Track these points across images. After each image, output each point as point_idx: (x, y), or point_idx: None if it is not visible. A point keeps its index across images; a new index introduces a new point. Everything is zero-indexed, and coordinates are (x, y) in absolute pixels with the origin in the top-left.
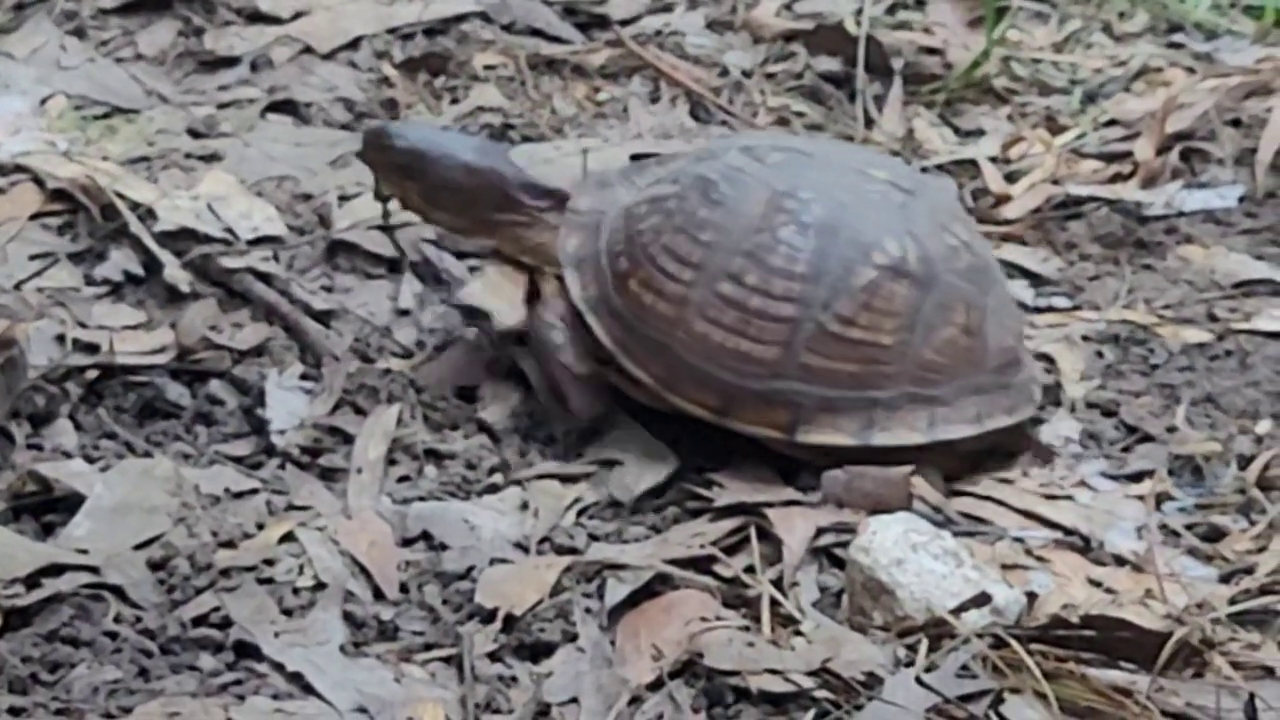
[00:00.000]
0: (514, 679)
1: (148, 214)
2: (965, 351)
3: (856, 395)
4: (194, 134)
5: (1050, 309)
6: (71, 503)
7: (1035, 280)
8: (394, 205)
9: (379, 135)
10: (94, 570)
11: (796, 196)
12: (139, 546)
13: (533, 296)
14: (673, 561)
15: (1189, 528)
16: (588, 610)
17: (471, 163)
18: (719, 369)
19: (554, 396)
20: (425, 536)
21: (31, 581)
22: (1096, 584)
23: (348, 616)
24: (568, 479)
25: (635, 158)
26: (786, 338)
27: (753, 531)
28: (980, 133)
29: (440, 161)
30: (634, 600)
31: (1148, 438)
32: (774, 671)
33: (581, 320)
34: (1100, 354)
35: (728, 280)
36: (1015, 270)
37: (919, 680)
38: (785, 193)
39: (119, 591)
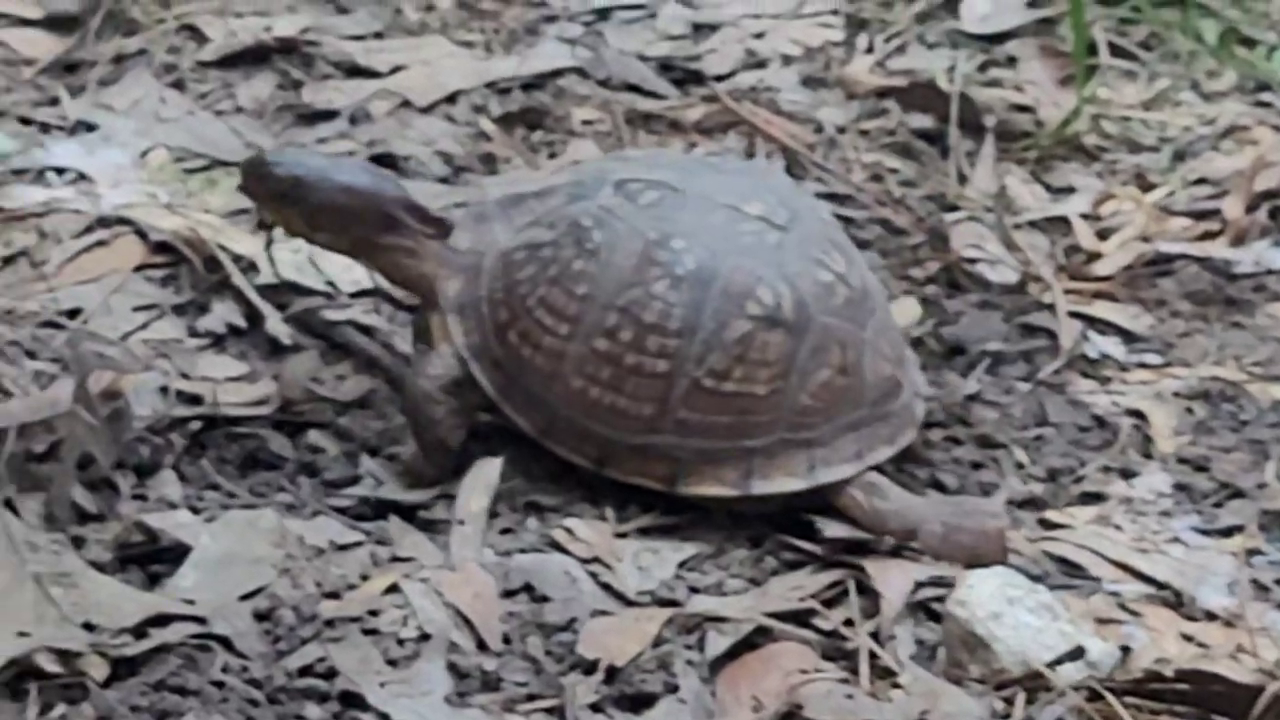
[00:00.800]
0: None
1: (250, 266)
2: (842, 391)
3: (733, 445)
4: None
5: (1142, 365)
6: (177, 553)
7: (1127, 337)
8: (277, 233)
9: (256, 165)
10: (201, 620)
11: (669, 247)
12: (245, 597)
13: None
14: (772, 614)
15: (1279, 582)
16: (689, 662)
17: (350, 183)
18: (596, 423)
19: (418, 457)
20: (527, 588)
21: (139, 631)
22: (1189, 638)
23: (452, 667)
24: (667, 531)
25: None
26: (662, 394)
27: (851, 585)
28: (1071, 190)
29: (318, 185)
30: (734, 652)
31: (1238, 493)
32: None
33: (460, 378)
34: (1190, 410)
35: (602, 336)
36: (1107, 326)
37: None
38: (657, 242)
39: (225, 642)
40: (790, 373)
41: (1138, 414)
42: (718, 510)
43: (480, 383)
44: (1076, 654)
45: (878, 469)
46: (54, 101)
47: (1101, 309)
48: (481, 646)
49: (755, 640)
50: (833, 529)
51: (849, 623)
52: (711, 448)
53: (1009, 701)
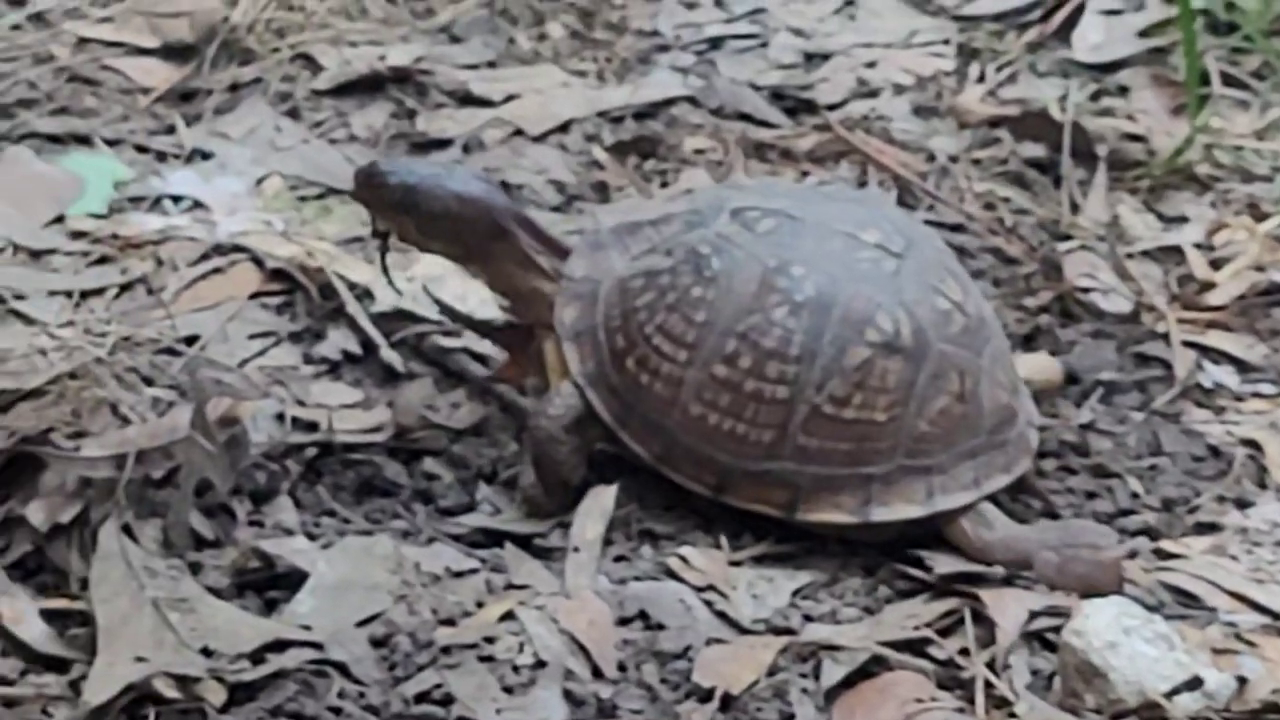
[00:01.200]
0: None
1: (365, 294)
2: (960, 419)
3: (852, 472)
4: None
5: (1256, 395)
6: (293, 579)
7: (1241, 366)
8: (391, 241)
9: (369, 174)
10: (318, 646)
11: (788, 274)
12: (361, 623)
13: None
14: (888, 643)
15: None
16: (804, 690)
17: (462, 191)
18: (715, 449)
19: (540, 492)
20: (642, 616)
21: (256, 657)
22: None
23: (568, 695)
24: (781, 559)
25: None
26: (781, 420)
27: (967, 613)
28: (1184, 219)
29: (431, 192)
30: (850, 681)
31: None
32: None
33: (582, 415)
34: None
35: (722, 363)
36: (1221, 356)
37: None
38: (776, 269)
39: (342, 668)
40: (909, 399)
41: (1252, 444)
42: (832, 538)
43: (597, 410)
44: (1193, 684)
45: (989, 498)
46: (170, 130)
47: (1215, 338)
48: (597, 674)
49: (870, 669)
50: (943, 564)
51: (964, 652)
52: (830, 474)
53: None
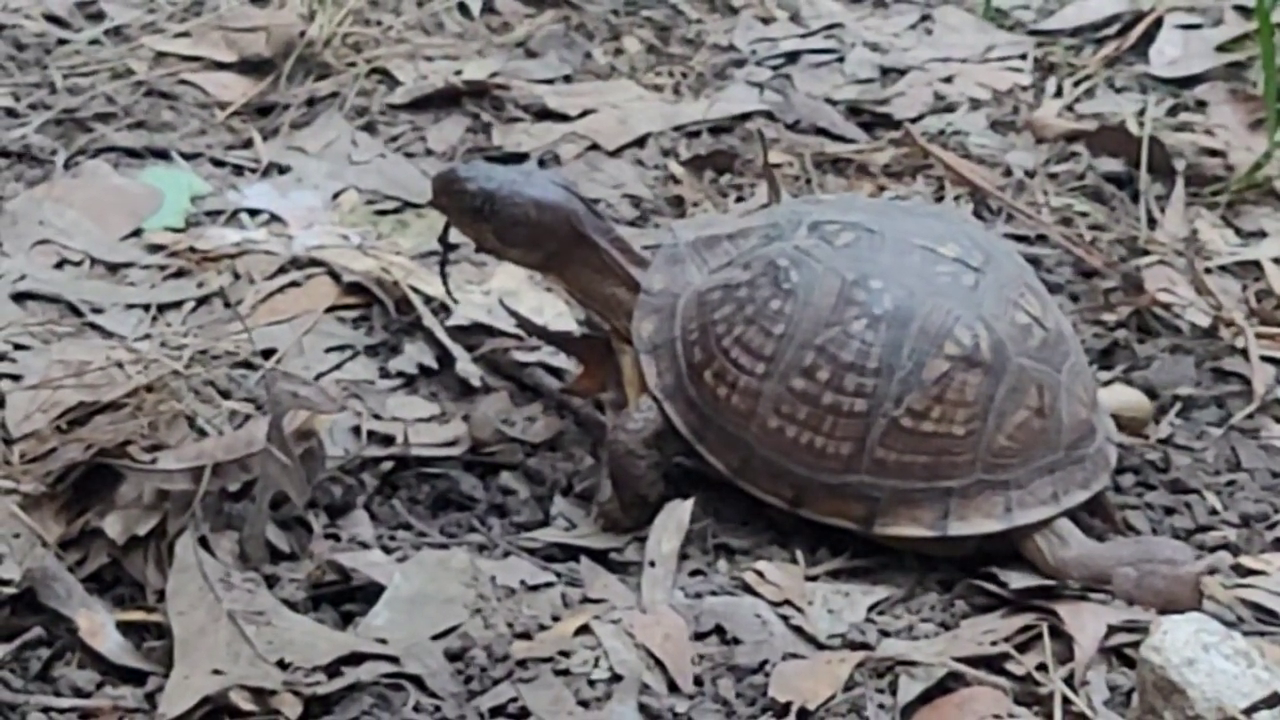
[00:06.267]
0: None
1: (441, 308)
2: (1039, 434)
3: (930, 486)
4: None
5: None
6: (369, 592)
7: None
8: (453, 255)
9: (448, 180)
10: (394, 660)
11: (867, 287)
12: (437, 637)
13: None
14: (964, 658)
15: None
16: (881, 706)
17: (541, 198)
18: (793, 463)
19: (618, 507)
20: (718, 630)
21: (332, 670)
22: None
23: (643, 709)
24: (857, 574)
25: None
26: (860, 433)
27: (1045, 629)
28: (1262, 234)
29: (510, 199)
30: (927, 696)
31: None
32: None
33: (661, 430)
34: None
35: (800, 375)
36: None
37: None
38: (855, 282)
39: (418, 681)
40: (988, 413)
41: None
42: (908, 552)
43: (674, 422)
44: (1273, 701)
45: (1067, 515)
46: (247, 144)
47: None
48: (673, 688)
49: (948, 685)
50: (1019, 579)
51: (1042, 668)
52: (908, 488)
53: None
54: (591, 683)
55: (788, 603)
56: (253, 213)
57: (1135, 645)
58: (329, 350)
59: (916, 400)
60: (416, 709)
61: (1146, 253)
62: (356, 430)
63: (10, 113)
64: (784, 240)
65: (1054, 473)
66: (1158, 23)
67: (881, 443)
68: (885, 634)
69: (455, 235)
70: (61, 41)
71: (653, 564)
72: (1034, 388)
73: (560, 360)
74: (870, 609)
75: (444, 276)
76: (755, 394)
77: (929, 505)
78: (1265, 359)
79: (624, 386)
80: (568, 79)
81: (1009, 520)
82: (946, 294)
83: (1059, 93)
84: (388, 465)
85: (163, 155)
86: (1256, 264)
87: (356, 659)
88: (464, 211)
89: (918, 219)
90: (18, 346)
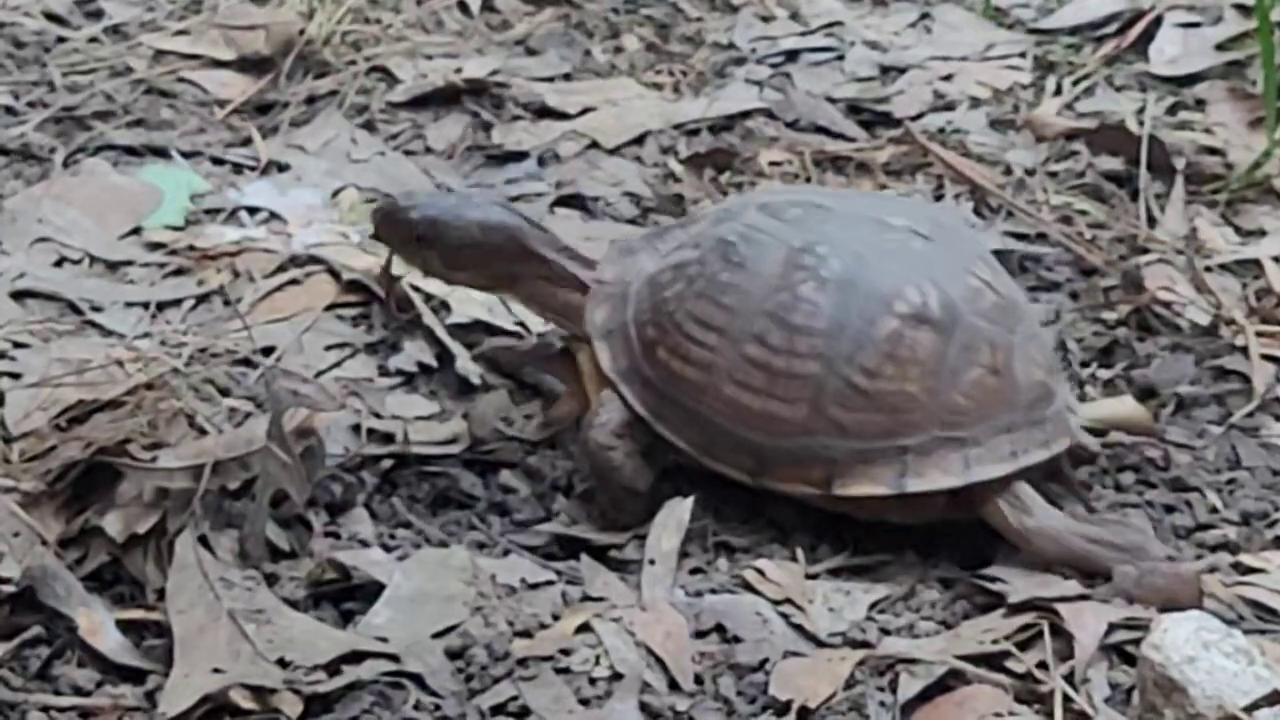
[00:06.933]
0: None
1: (441, 306)
2: (994, 392)
3: (888, 444)
4: None
5: None
6: (369, 590)
7: None
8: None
9: (390, 211)
10: (394, 658)
11: (814, 252)
12: (437, 635)
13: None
14: (965, 657)
15: None
16: (881, 704)
17: (483, 219)
18: (751, 431)
19: (610, 504)
20: (719, 629)
21: (333, 668)
22: None
23: (644, 707)
24: (858, 572)
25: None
26: (814, 395)
27: (1045, 628)
28: (1262, 233)
29: (454, 224)
30: (927, 694)
31: None
32: None
33: (631, 418)
34: None
35: (752, 342)
36: None
37: None
38: (802, 249)
39: (418, 680)
40: (941, 370)
41: None
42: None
43: (632, 405)
44: (1273, 699)
45: (1031, 485)
46: (246, 142)
47: None
48: (674, 686)
49: (948, 683)
50: (1019, 577)
51: (1042, 665)
52: (866, 448)
53: None
54: (592, 681)
55: (788, 601)
56: (252, 210)
57: (1136, 643)
58: (329, 348)
59: (868, 359)
60: (417, 707)
61: (1146, 251)
62: (356, 428)
63: (9, 110)
64: (734, 220)
65: (1012, 432)
66: (1157, 21)
67: (836, 403)
68: (886, 632)
69: (399, 266)
70: (60, 39)
71: (653, 562)
72: (986, 346)
73: None
74: (871, 607)
75: (387, 307)
76: (709, 366)
77: (886, 464)
78: (1265, 357)
79: (585, 386)
80: (567, 77)
81: (967, 476)
82: (895, 258)
83: (1058, 91)
84: (388, 463)
85: (162, 153)
86: (1256, 262)
87: (357, 657)
88: (408, 241)
89: (870, 198)
90: (17, 345)
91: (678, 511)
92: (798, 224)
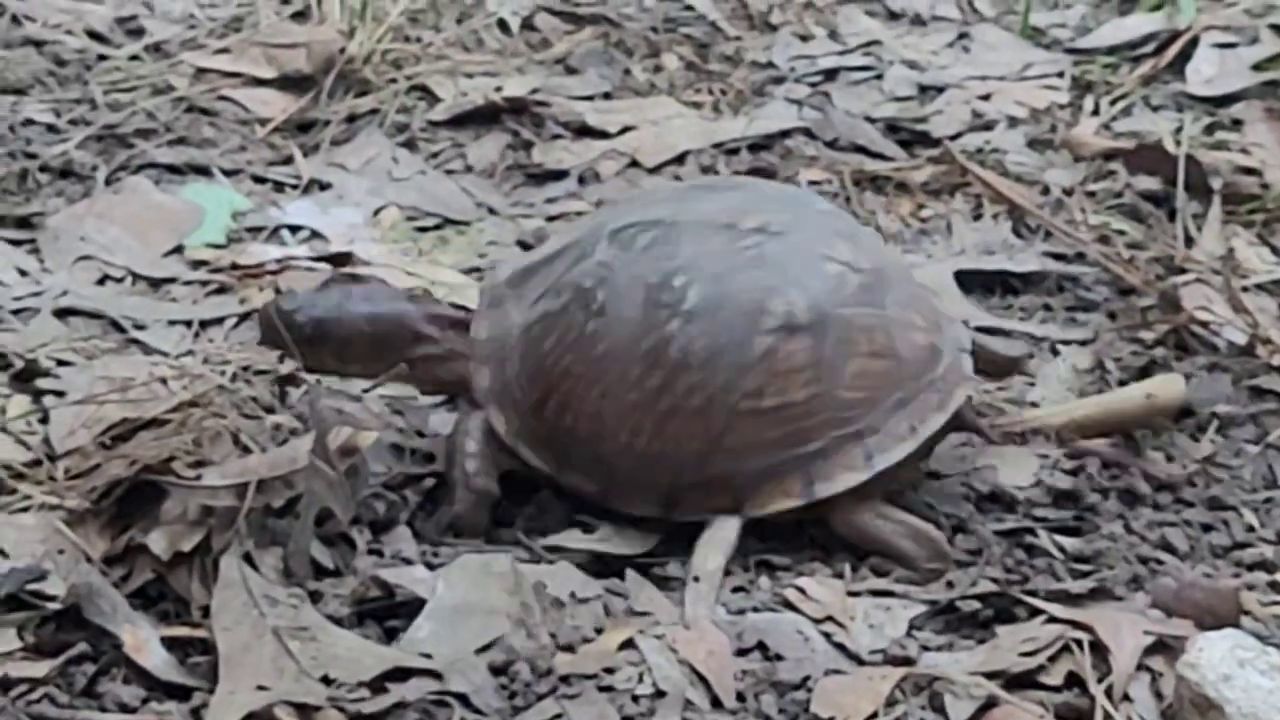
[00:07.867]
0: None
1: None
2: (880, 375)
3: (789, 455)
4: (524, 245)
5: None
6: (413, 607)
7: None
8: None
9: (274, 316)
10: (437, 676)
11: (671, 287)
12: (480, 650)
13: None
14: (1003, 673)
15: None
16: None
17: (371, 311)
18: (652, 472)
19: (451, 498)
20: (760, 647)
21: (377, 686)
22: None
23: None
24: (900, 583)
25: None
26: (705, 428)
27: (1085, 642)
28: None
29: (341, 320)
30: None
31: None
32: None
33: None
34: None
35: (633, 389)
36: None
37: None
38: (660, 285)
39: (463, 698)
40: (822, 372)
41: None
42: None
43: (533, 464)
44: None
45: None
46: (288, 160)
47: None
48: (716, 704)
49: (990, 698)
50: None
51: (1080, 681)
52: (768, 464)
53: None
54: (635, 698)
55: (829, 619)
56: (294, 229)
57: (1173, 658)
58: None
59: (750, 382)
60: None
61: (1183, 271)
62: (398, 447)
63: (51, 129)
64: (589, 258)
65: (907, 406)
66: (1194, 41)
67: (729, 430)
68: (926, 649)
69: (290, 365)
70: (102, 57)
71: (697, 579)
72: (861, 335)
73: None
74: (911, 624)
75: (283, 396)
76: (597, 415)
77: (792, 475)
78: None
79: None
80: (607, 96)
81: (871, 468)
82: (753, 267)
83: (1096, 111)
84: (430, 482)
85: (204, 171)
86: None
87: (401, 675)
88: (298, 343)
89: (719, 195)
90: (61, 363)
91: (724, 530)
92: (649, 253)
